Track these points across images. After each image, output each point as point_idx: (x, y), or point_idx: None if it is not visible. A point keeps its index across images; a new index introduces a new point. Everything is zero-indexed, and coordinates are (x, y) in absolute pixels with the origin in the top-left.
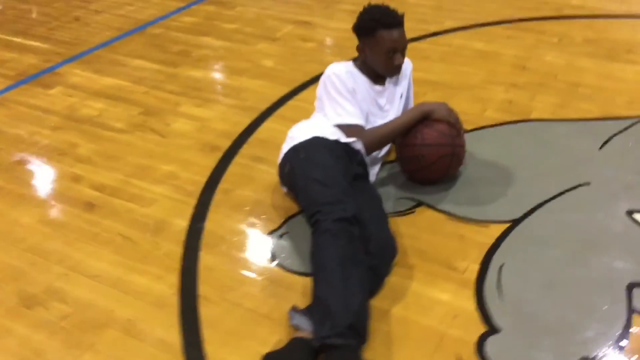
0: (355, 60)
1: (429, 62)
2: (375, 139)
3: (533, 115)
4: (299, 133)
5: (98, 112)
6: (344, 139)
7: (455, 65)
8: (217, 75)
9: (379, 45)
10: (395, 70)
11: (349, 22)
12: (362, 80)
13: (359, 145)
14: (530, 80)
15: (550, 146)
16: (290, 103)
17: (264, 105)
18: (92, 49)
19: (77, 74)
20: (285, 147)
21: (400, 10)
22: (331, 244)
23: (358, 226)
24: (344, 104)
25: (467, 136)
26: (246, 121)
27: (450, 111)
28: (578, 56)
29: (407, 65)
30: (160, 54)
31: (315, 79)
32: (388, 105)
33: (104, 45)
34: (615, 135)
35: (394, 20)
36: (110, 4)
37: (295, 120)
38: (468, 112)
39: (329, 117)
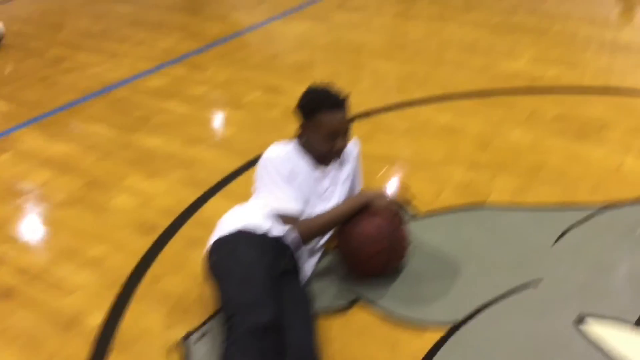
0: (298, 140)
1: (392, 136)
2: (310, 230)
3: (490, 199)
4: (227, 222)
5: (42, 182)
6: (274, 231)
7: (419, 141)
8: (173, 144)
9: (319, 128)
10: (336, 154)
11: None
12: (303, 162)
13: (289, 239)
14: (492, 160)
15: (503, 237)
16: (242, 177)
17: (214, 179)
18: (53, 111)
19: (31, 139)
20: (213, 237)
21: (344, 92)
22: None
23: (276, 334)
24: (280, 190)
25: (417, 222)
26: (192, 197)
27: (391, 202)
28: (546, 134)
29: (353, 146)
30: (119, 119)
31: None
32: (331, 189)
33: (65, 107)
34: (573, 226)
35: (336, 102)
36: (81, 64)
37: (242, 197)
38: (424, 194)
39: (265, 203)
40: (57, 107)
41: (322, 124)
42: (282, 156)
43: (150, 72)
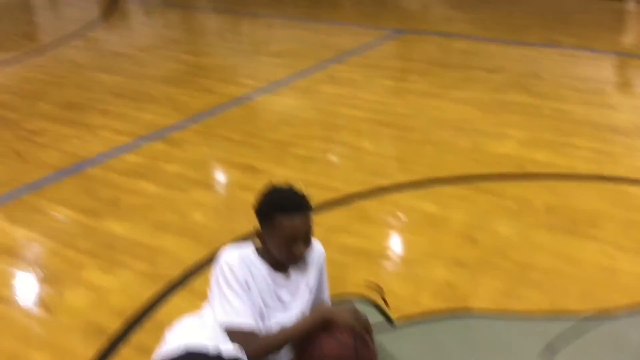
0: (255, 242)
1: (370, 226)
2: (262, 350)
3: (472, 304)
4: (174, 339)
5: None
6: (227, 350)
7: (399, 232)
8: (138, 231)
9: (277, 232)
10: (295, 261)
11: (297, 170)
12: (260, 268)
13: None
14: (476, 257)
15: (486, 351)
16: (206, 271)
17: (176, 272)
18: (20, 190)
19: None
20: (155, 358)
21: (306, 194)
22: None
23: None
24: (233, 301)
25: (390, 334)
26: (149, 294)
27: (357, 316)
28: (535, 228)
29: (317, 251)
30: (87, 201)
31: (241, 239)
32: (291, 298)
33: (33, 187)
34: (561, 339)
35: (295, 205)
36: (57, 138)
37: (204, 296)
38: (399, 296)
39: (216, 314)
40: (24, 186)
41: (279, 228)
42: (238, 262)
43: (127, 147)
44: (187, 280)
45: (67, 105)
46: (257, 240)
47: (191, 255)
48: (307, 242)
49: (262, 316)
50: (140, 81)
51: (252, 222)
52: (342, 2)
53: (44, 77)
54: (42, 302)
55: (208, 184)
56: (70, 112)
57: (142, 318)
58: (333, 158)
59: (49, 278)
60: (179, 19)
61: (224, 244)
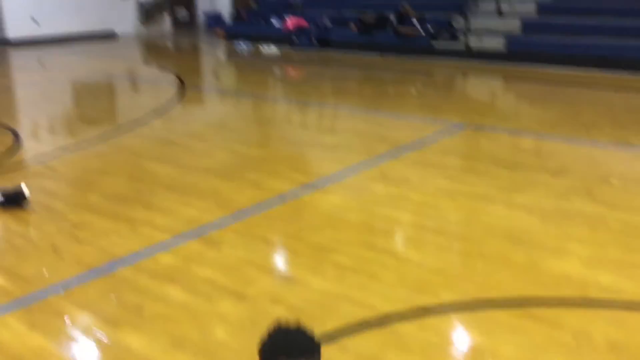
0: None
1: (407, 357)
2: None
3: None
4: None
5: None
6: None
7: None
8: (155, 347)
9: None
10: None
11: (334, 281)
12: None
13: None
14: None
15: None
16: None
17: None
18: (47, 291)
19: (9, 327)
20: None
21: (315, 337)
22: None
23: None
24: None
25: None
26: None
27: None
28: None
29: None
30: (110, 309)
31: None
32: None
33: (61, 287)
34: None
35: (301, 352)
36: (97, 233)
37: None
38: None
39: None
40: (53, 286)
41: None
42: None
43: (162, 246)
44: None
45: (114, 197)
46: None
47: None
48: None
49: None
50: (190, 173)
51: None
52: (408, 93)
53: (100, 166)
54: None
55: (237, 293)
56: (115, 205)
57: None
58: (374, 269)
59: None
60: (245, 108)
61: None
